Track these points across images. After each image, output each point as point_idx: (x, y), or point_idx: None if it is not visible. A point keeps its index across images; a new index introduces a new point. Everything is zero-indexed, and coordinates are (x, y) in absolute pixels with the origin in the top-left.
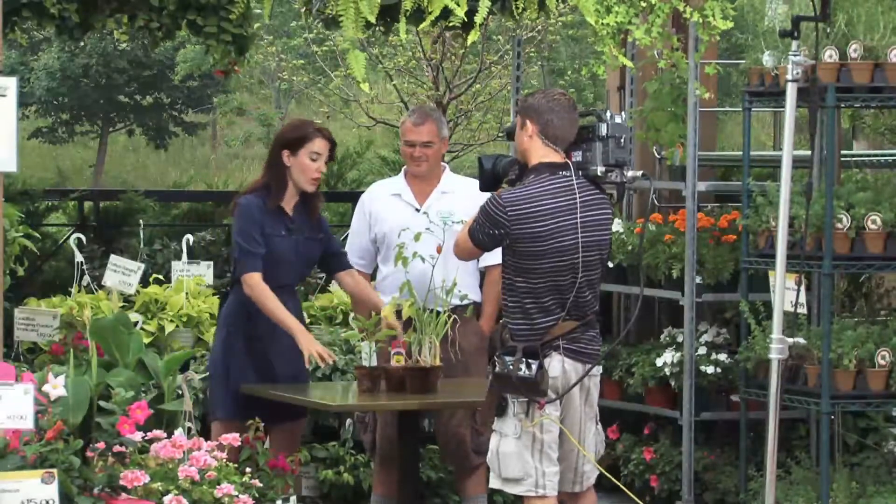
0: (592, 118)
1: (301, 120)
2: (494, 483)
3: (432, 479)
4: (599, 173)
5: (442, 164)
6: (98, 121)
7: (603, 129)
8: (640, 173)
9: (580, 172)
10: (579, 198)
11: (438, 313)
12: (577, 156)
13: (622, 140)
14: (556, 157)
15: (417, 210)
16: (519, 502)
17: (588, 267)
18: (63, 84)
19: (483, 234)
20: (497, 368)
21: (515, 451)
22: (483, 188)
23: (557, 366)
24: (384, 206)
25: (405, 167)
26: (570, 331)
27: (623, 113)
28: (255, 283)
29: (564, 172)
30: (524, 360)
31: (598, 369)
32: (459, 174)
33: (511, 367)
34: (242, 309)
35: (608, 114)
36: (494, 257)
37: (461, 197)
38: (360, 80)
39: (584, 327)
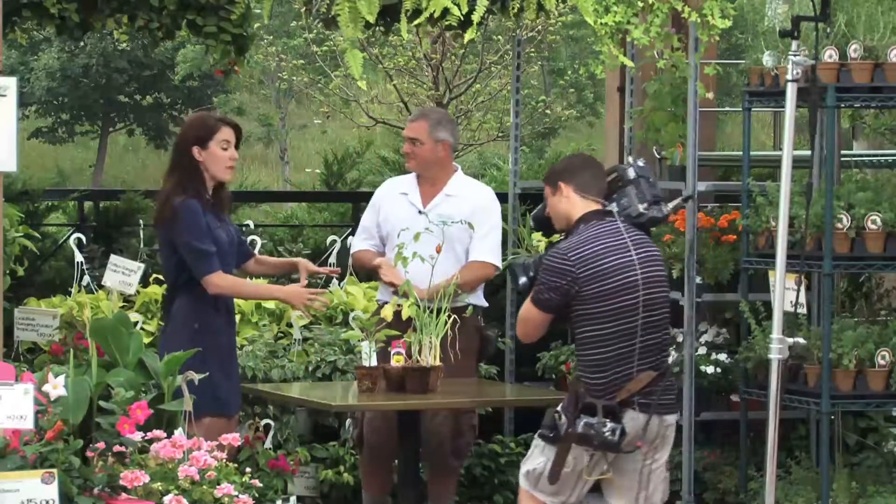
0: (616, 171)
1: (201, 114)
2: (524, 484)
3: None
4: (642, 210)
5: (454, 165)
6: (98, 121)
7: (631, 173)
8: (679, 200)
9: (622, 217)
10: (628, 237)
11: (439, 312)
12: (613, 206)
13: (651, 178)
14: (597, 205)
15: (420, 212)
16: None
17: (653, 306)
18: (63, 84)
19: (549, 292)
20: (580, 430)
21: (561, 478)
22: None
23: (630, 423)
24: (391, 204)
25: None
26: (645, 385)
27: (641, 159)
28: (222, 280)
29: (609, 218)
30: (607, 422)
31: (674, 418)
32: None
33: (595, 429)
34: (205, 306)
35: (630, 159)
36: (481, 254)
37: (464, 201)
38: (357, 77)
39: (658, 378)
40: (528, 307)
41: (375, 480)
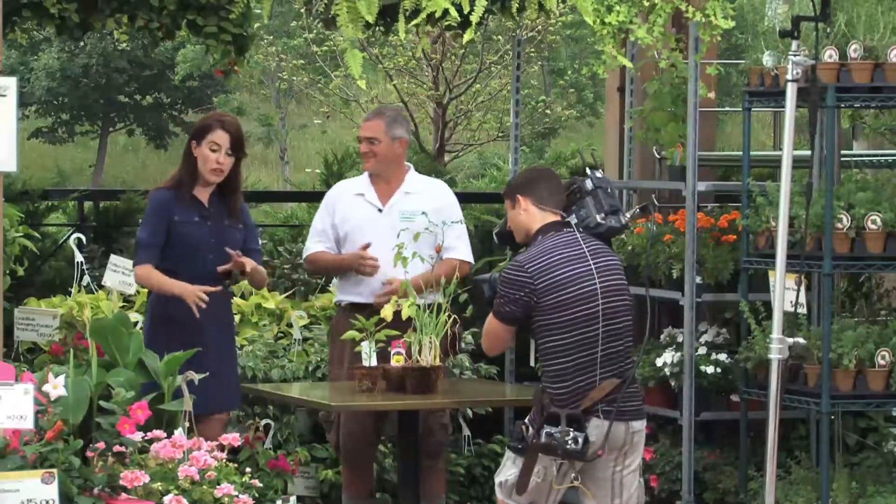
0: (575, 183)
1: (213, 112)
2: (499, 494)
3: None
4: (600, 220)
5: (406, 164)
6: (98, 121)
7: (588, 184)
8: (637, 209)
9: (580, 228)
10: (586, 247)
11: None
12: (572, 218)
13: (609, 189)
14: (555, 217)
15: (380, 210)
16: None
17: (613, 314)
18: (63, 84)
19: (509, 304)
20: (543, 440)
21: (532, 489)
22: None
23: (595, 431)
24: (348, 205)
25: None
26: (609, 392)
27: (599, 171)
28: (142, 274)
29: (567, 229)
30: (570, 431)
31: (641, 424)
32: (459, 175)
33: (558, 438)
34: (161, 299)
35: (588, 171)
36: (459, 252)
37: (425, 198)
38: (357, 77)
39: (621, 385)
40: (490, 320)
41: (355, 482)
